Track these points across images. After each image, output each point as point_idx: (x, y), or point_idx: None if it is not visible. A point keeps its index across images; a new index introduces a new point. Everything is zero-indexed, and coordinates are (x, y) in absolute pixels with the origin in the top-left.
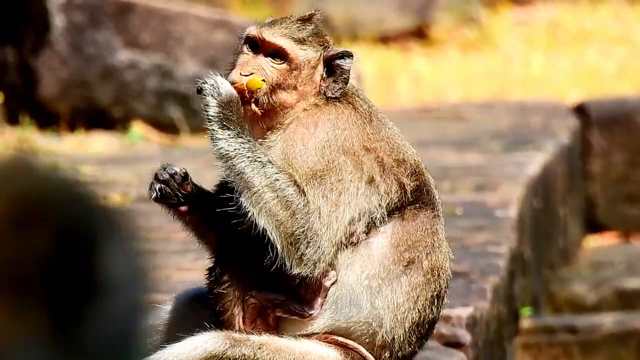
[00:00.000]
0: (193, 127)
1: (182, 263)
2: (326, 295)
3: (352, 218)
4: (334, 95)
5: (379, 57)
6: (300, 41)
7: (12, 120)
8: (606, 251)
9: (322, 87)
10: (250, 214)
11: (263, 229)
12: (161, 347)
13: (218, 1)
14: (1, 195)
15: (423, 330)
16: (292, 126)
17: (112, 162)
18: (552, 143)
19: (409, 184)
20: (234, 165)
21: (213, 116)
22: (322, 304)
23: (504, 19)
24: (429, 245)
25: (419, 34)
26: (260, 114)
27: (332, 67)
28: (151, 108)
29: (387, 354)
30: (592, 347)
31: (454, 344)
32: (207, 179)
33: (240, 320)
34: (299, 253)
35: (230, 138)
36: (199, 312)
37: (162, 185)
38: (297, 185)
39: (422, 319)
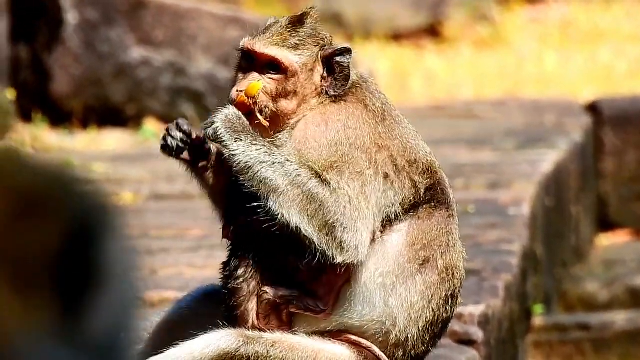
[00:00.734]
0: None
1: (194, 260)
2: (340, 292)
3: (375, 211)
4: (336, 94)
5: (391, 55)
6: (294, 47)
7: (25, 117)
8: (618, 249)
9: (324, 87)
10: (280, 216)
11: (296, 227)
12: (174, 345)
13: None
14: (4, 189)
15: (437, 329)
16: (301, 125)
17: (124, 160)
18: (565, 141)
19: (422, 182)
20: (255, 173)
21: (223, 134)
22: (335, 301)
23: (517, 17)
24: (444, 245)
25: (432, 31)
26: (266, 123)
27: (331, 65)
28: (164, 105)
29: (400, 353)
30: (605, 345)
31: (466, 341)
32: None
33: (254, 315)
34: (338, 240)
35: (245, 148)
36: (212, 308)
37: (179, 134)
38: (319, 177)
39: (436, 318)
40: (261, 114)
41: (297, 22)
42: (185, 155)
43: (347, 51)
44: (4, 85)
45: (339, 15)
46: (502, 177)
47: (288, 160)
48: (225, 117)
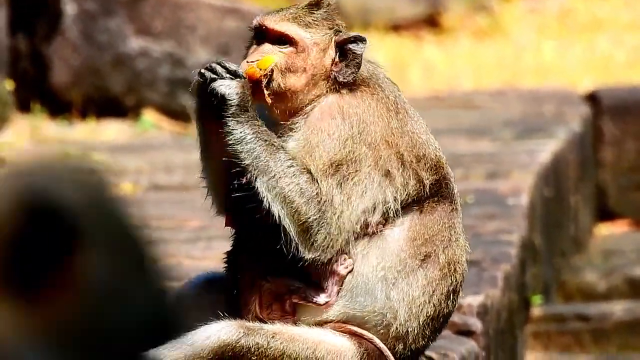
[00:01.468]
0: None
1: (193, 251)
2: (342, 283)
3: (365, 208)
4: (345, 80)
5: (390, 45)
6: (306, 25)
7: (24, 107)
8: (617, 239)
9: (334, 71)
10: (265, 199)
11: (278, 214)
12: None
13: None
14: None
15: (437, 324)
16: (316, 113)
17: (123, 150)
18: (563, 131)
19: (428, 178)
20: (249, 149)
21: (228, 101)
22: (338, 292)
23: (515, 7)
24: (446, 239)
25: (431, 21)
26: (271, 100)
27: (345, 51)
28: (163, 96)
29: (400, 346)
30: (603, 335)
31: (465, 332)
32: None
33: (257, 305)
34: (311, 240)
35: (245, 122)
36: (213, 295)
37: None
38: (310, 174)
39: (437, 313)
40: (267, 89)
41: (314, 5)
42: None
43: (361, 39)
44: (3, 76)
45: (338, 5)
46: (501, 167)
47: (283, 148)
48: (230, 79)
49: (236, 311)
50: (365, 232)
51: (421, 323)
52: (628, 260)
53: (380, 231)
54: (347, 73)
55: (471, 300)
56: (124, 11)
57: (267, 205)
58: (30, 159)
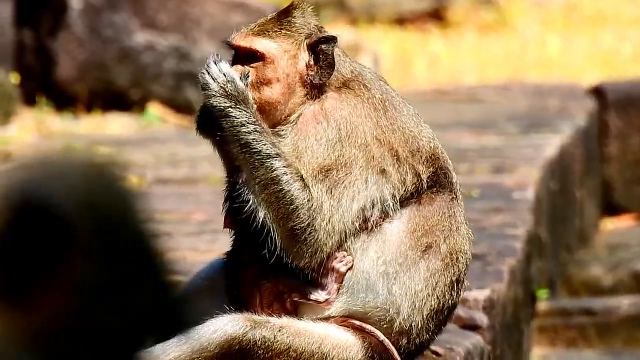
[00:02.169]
0: None
1: (197, 245)
2: (342, 280)
3: (361, 207)
4: (320, 82)
5: (395, 39)
6: (272, 36)
7: (29, 101)
8: (623, 233)
9: (309, 75)
10: (250, 202)
11: (263, 220)
12: (181, 330)
13: None
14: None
15: (442, 316)
16: (302, 119)
17: (128, 144)
18: (568, 125)
19: (424, 171)
20: (245, 151)
21: (231, 106)
22: (338, 289)
23: (520, 1)
24: (447, 229)
25: (436, 15)
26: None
27: (317, 53)
28: (168, 90)
29: (404, 341)
30: (609, 330)
31: (471, 326)
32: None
33: (258, 304)
34: (298, 246)
35: (247, 123)
36: (219, 287)
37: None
38: (303, 181)
39: (441, 305)
40: None
41: (283, 13)
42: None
43: (332, 39)
44: (9, 70)
45: (343, 0)
46: (506, 161)
47: (279, 155)
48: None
49: (238, 310)
50: (364, 227)
51: (425, 317)
52: (634, 255)
53: (379, 225)
54: (322, 75)
55: (477, 294)
56: (129, 5)
57: (254, 209)
58: (34, 153)
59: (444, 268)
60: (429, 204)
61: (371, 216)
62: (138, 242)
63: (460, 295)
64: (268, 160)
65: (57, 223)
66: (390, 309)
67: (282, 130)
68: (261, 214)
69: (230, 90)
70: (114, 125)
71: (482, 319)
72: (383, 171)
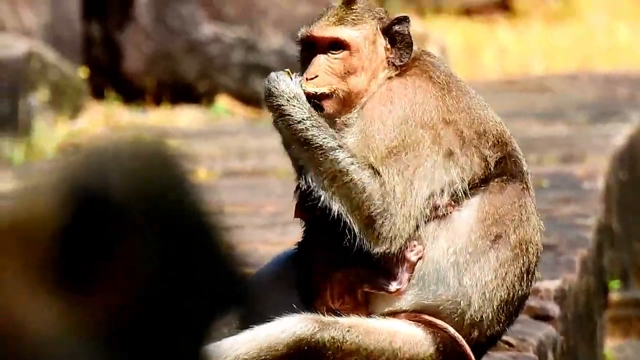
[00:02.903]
0: None
1: (268, 237)
2: (413, 270)
3: (431, 192)
4: (402, 62)
5: (463, 30)
6: (351, 23)
7: (98, 95)
8: None
9: (390, 58)
10: (322, 198)
11: (338, 213)
12: (250, 327)
13: None
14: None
15: (512, 307)
16: (369, 104)
17: (197, 136)
18: (638, 114)
19: (492, 156)
20: (306, 148)
21: (282, 97)
22: (409, 279)
23: None
24: (517, 219)
25: (503, 5)
26: (334, 107)
27: (392, 35)
28: (236, 82)
29: (476, 333)
30: None
31: (542, 316)
32: None
33: (329, 296)
34: (376, 233)
35: (303, 120)
36: (287, 279)
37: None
38: (372, 168)
39: (511, 296)
40: (331, 98)
41: (350, 1)
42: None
43: (404, 19)
44: (77, 64)
45: None
46: (576, 151)
47: (342, 146)
48: (286, 86)
49: (309, 302)
50: (434, 215)
51: (495, 308)
52: None
53: (449, 213)
54: (402, 55)
55: (549, 284)
56: None
57: (326, 203)
58: (103, 141)
59: (513, 258)
60: (499, 193)
61: (440, 202)
62: (203, 232)
63: (530, 285)
64: (331, 153)
65: (117, 212)
66: (462, 301)
67: (349, 119)
68: (335, 207)
69: (282, 89)
70: (182, 117)
71: (554, 309)
72: (450, 153)
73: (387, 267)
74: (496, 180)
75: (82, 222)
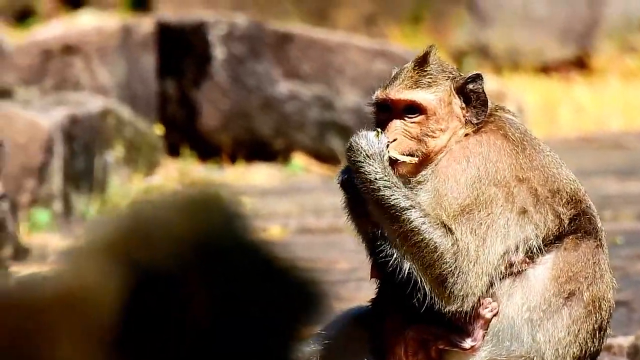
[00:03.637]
0: None
1: (343, 293)
2: (487, 326)
3: (506, 249)
4: (479, 120)
5: (540, 87)
6: (427, 86)
7: (173, 152)
8: None
9: (467, 117)
10: (395, 256)
11: (409, 272)
12: None
13: (378, 30)
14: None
15: None
16: (443, 161)
17: (272, 194)
18: None
19: (566, 213)
20: (378, 207)
21: (360, 154)
22: (483, 336)
23: None
24: (590, 276)
25: (580, 63)
26: (414, 168)
27: (466, 94)
28: (312, 139)
29: None
30: None
31: None
32: None
33: (402, 352)
34: (448, 292)
35: (377, 179)
36: (362, 332)
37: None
38: (445, 226)
39: (583, 352)
40: (412, 157)
41: (423, 62)
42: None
43: (478, 77)
44: (153, 121)
45: (487, 48)
46: None
47: (415, 206)
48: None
49: (381, 358)
50: (509, 272)
51: None
52: None
53: (524, 270)
54: (479, 113)
55: (622, 341)
56: (272, 54)
57: (398, 261)
58: (176, 197)
59: (586, 315)
60: (573, 250)
61: (515, 258)
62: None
63: (603, 342)
64: (404, 213)
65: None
66: (535, 357)
67: (423, 175)
68: (406, 265)
69: (362, 146)
70: (257, 175)
71: None
72: (524, 210)
73: (461, 323)
74: (571, 237)
75: (146, 291)
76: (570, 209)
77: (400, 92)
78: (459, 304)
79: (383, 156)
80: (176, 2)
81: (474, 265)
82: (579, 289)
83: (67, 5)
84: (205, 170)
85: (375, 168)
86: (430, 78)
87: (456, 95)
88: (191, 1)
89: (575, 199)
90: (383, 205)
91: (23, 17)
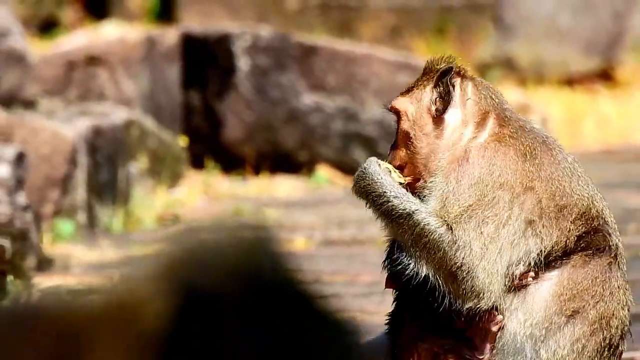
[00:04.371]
0: None
1: (366, 306)
2: (494, 340)
3: (512, 256)
4: (439, 108)
5: (564, 100)
6: (409, 91)
7: (197, 163)
8: None
9: (431, 111)
10: (410, 264)
11: (426, 275)
12: None
13: (402, 43)
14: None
15: None
16: (448, 164)
17: (297, 206)
18: None
19: (574, 229)
20: (389, 218)
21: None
22: (491, 349)
23: None
24: (598, 294)
25: (605, 75)
26: (408, 179)
27: (438, 88)
28: (336, 151)
29: None
30: None
31: None
32: None
33: None
34: (460, 288)
35: (385, 192)
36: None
37: None
38: (448, 225)
39: None
40: (402, 171)
41: (428, 69)
42: None
43: (448, 70)
44: (177, 132)
45: (512, 60)
46: None
47: (418, 209)
48: (369, 167)
49: None
50: (512, 286)
51: None
52: None
53: (528, 286)
54: (441, 102)
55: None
56: (296, 66)
57: (414, 268)
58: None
59: (591, 333)
60: (581, 267)
61: (517, 271)
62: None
63: (615, 358)
64: (410, 218)
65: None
66: None
67: (431, 182)
68: (422, 271)
69: (365, 172)
70: (282, 187)
71: None
72: (530, 221)
73: (470, 337)
74: (580, 254)
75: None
76: (580, 226)
77: (393, 102)
78: (474, 301)
79: (388, 172)
80: (201, 13)
81: (480, 261)
82: (583, 307)
83: (92, 16)
84: (229, 182)
85: (382, 184)
86: (422, 82)
87: (432, 91)
88: (216, 12)
89: (587, 215)
90: (393, 216)
91: (47, 27)
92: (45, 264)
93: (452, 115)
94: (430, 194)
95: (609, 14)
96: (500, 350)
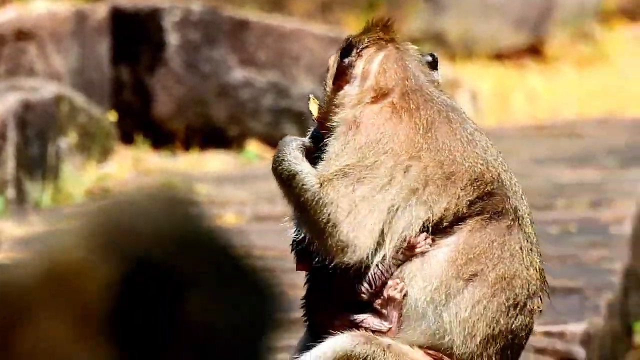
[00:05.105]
0: None
1: (296, 281)
2: (401, 307)
3: (391, 221)
4: (334, 78)
5: (494, 74)
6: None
7: (127, 139)
8: None
9: (331, 78)
10: (300, 230)
11: (305, 233)
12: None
13: (333, 18)
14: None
15: (502, 342)
16: (338, 128)
17: (227, 181)
18: None
19: (464, 196)
20: (282, 183)
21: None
22: (399, 317)
23: (619, 35)
24: (496, 257)
25: (534, 50)
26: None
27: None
28: (266, 126)
29: None
30: None
31: (568, 359)
32: None
33: None
34: (328, 243)
35: (282, 161)
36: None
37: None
38: (321, 182)
39: (495, 331)
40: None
41: (366, 27)
42: None
43: (348, 45)
44: (106, 108)
45: (441, 35)
46: (605, 196)
47: (302, 170)
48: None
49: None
50: (411, 254)
51: (479, 343)
52: None
53: (426, 252)
54: (335, 71)
55: (574, 327)
56: (227, 41)
57: (297, 232)
58: (132, 190)
59: (492, 294)
60: (477, 231)
61: (408, 236)
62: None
63: (525, 319)
64: (293, 179)
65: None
66: (446, 337)
67: (326, 144)
68: (302, 233)
69: (283, 142)
70: (212, 162)
71: (579, 352)
72: (414, 189)
73: (379, 307)
74: (476, 218)
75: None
76: (471, 191)
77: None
78: (339, 256)
79: (298, 144)
80: None
81: (346, 217)
82: (482, 270)
83: None
84: (159, 157)
85: (287, 152)
86: (353, 38)
87: (335, 60)
88: None
89: (479, 181)
90: (282, 178)
91: None
92: None
93: (350, 86)
94: (322, 156)
95: None
96: (405, 316)
